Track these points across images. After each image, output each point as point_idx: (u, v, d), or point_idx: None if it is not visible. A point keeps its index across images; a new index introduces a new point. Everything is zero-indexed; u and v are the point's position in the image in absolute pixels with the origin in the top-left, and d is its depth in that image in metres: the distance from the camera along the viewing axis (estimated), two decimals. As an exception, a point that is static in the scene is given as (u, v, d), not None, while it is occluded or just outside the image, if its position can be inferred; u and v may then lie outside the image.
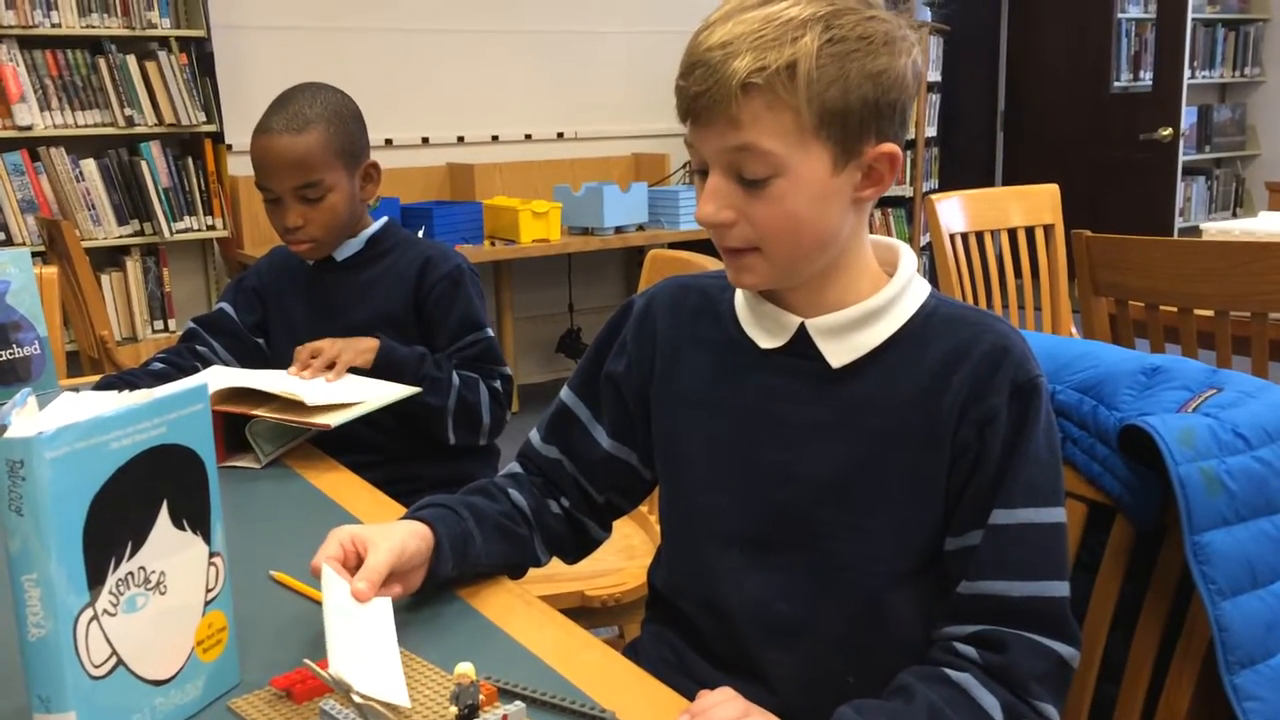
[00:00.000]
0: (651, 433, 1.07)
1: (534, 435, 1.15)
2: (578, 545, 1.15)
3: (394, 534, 0.96)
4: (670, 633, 1.05)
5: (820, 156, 0.88)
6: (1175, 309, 1.91)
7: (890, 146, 0.91)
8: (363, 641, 0.85)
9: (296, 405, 1.43)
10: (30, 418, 0.74)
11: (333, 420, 1.43)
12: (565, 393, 1.14)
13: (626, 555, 1.83)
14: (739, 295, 1.02)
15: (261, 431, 1.45)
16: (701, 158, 0.92)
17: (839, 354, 0.95)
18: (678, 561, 1.05)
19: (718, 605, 0.99)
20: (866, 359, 0.94)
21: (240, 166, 4.03)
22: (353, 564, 0.94)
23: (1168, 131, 5.23)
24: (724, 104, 0.87)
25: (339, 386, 1.53)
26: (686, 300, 1.06)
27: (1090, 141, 5.54)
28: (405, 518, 1.03)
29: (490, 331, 1.74)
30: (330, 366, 1.57)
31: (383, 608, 0.90)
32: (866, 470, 0.93)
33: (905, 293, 0.95)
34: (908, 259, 0.98)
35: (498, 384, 1.71)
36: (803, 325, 0.96)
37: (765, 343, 0.98)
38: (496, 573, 1.06)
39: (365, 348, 1.60)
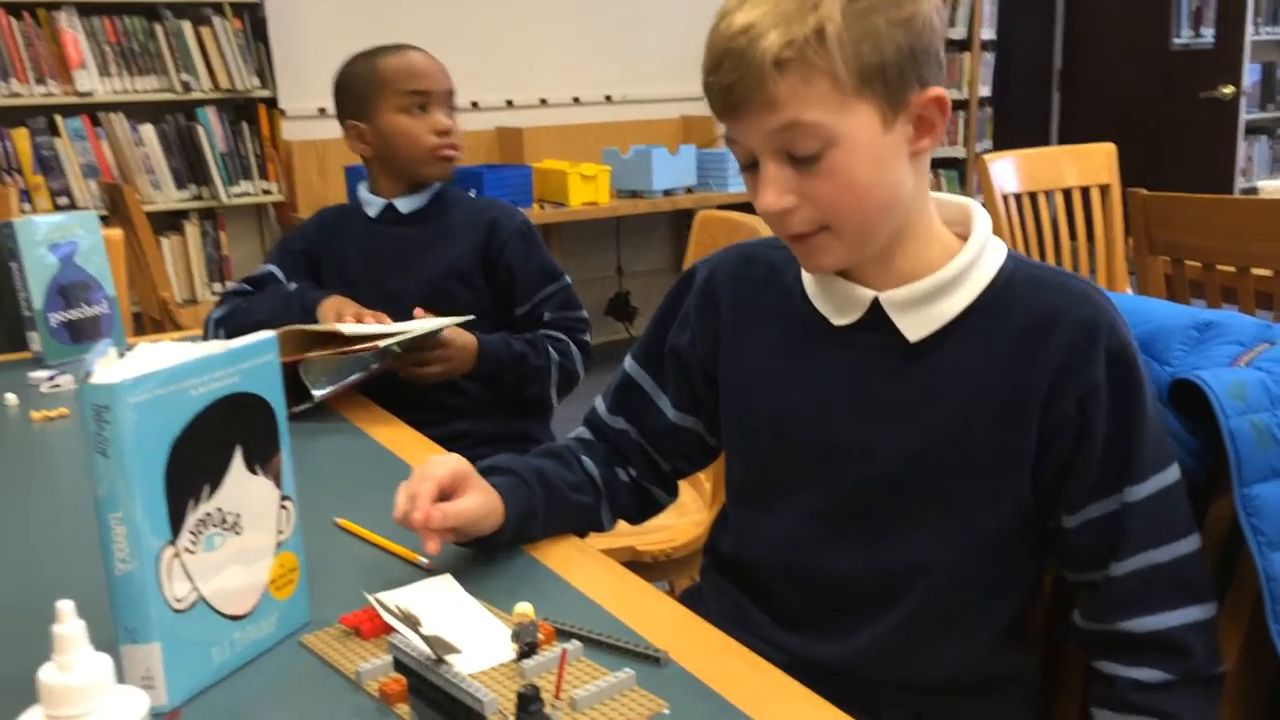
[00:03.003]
0: (720, 405, 1.06)
1: (599, 404, 1.15)
2: (643, 510, 1.16)
3: (485, 500, 0.98)
4: (732, 587, 1.05)
5: (868, 117, 0.86)
6: (1233, 268, 1.89)
7: (936, 90, 0.88)
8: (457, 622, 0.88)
9: (342, 342, 1.48)
10: (112, 366, 0.77)
11: (381, 342, 1.47)
12: (629, 363, 1.13)
13: (677, 512, 1.85)
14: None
15: (314, 368, 1.49)
16: (747, 150, 0.90)
17: (916, 327, 0.92)
18: (753, 532, 1.03)
19: (801, 575, 0.99)
20: (945, 330, 0.92)
21: (294, 131, 4.08)
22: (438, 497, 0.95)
23: (1229, 89, 5.10)
24: (759, 88, 0.85)
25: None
26: (751, 271, 1.04)
27: (1150, 100, 5.43)
28: (485, 472, 1.03)
29: (568, 279, 1.81)
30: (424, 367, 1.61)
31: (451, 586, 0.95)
32: (950, 442, 0.92)
33: (981, 258, 0.92)
34: (982, 220, 0.95)
35: (584, 336, 1.80)
36: (876, 299, 0.94)
37: (838, 319, 0.96)
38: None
39: (468, 359, 1.64)
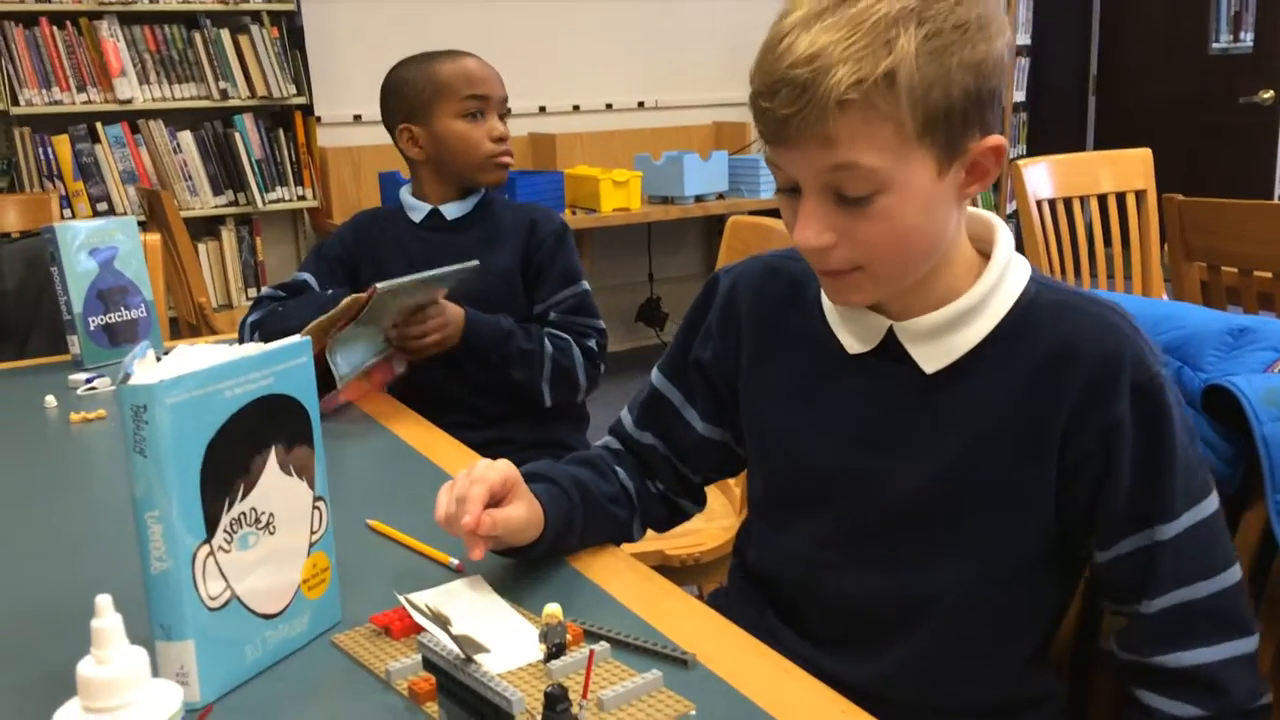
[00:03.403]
0: (741, 418, 1.05)
1: (626, 418, 1.14)
2: (670, 520, 1.15)
3: (531, 508, 0.96)
4: (757, 596, 1.05)
5: (924, 163, 0.82)
6: (1269, 274, 1.87)
7: (996, 139, 0.84)
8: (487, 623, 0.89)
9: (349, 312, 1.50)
10: (150, 367, 0.79)
11: (380, 285, 1.47)
12: (656, 377, 1.11)
13: (705, 518, 1.85)
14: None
15: (337, 349, 1.51)
16: (790, 177, 0.85)
17: (932, 359, 0.90)
18: (772, 547, 1.03)
19: (819, 596, 0.98)
20: (963, 360, 0.89)
21: (329, 137, 4.13)
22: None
23: (1269, 94, 5.04)
24: (818, 125, 0.79)
25: None
26: (773, 287, 1.02)
27: (1187, 105, 5.37)
28: (525, 478, 1.00)
29: (586, 285, 1.81)
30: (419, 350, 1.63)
31: (480, 586, 0.96)
32: (966, 474, 0.89)
33: (1002, 282, 0.89)
34: (1004, 241, 0.91)
35: (591, 342, 1.78)
36: (891, 329, 0.91)
37: (854, 347, 0.94)
38: None
39: (457, 330, 1.66)
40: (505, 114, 1.80)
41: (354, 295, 1.49)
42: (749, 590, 1.07)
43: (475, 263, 1.61)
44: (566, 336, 1.76)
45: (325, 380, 1.50)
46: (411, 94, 1.76)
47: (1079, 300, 0.90)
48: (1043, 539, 0.91)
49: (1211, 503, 0.87)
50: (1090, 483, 0.87)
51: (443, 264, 1.72)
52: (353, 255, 1.83)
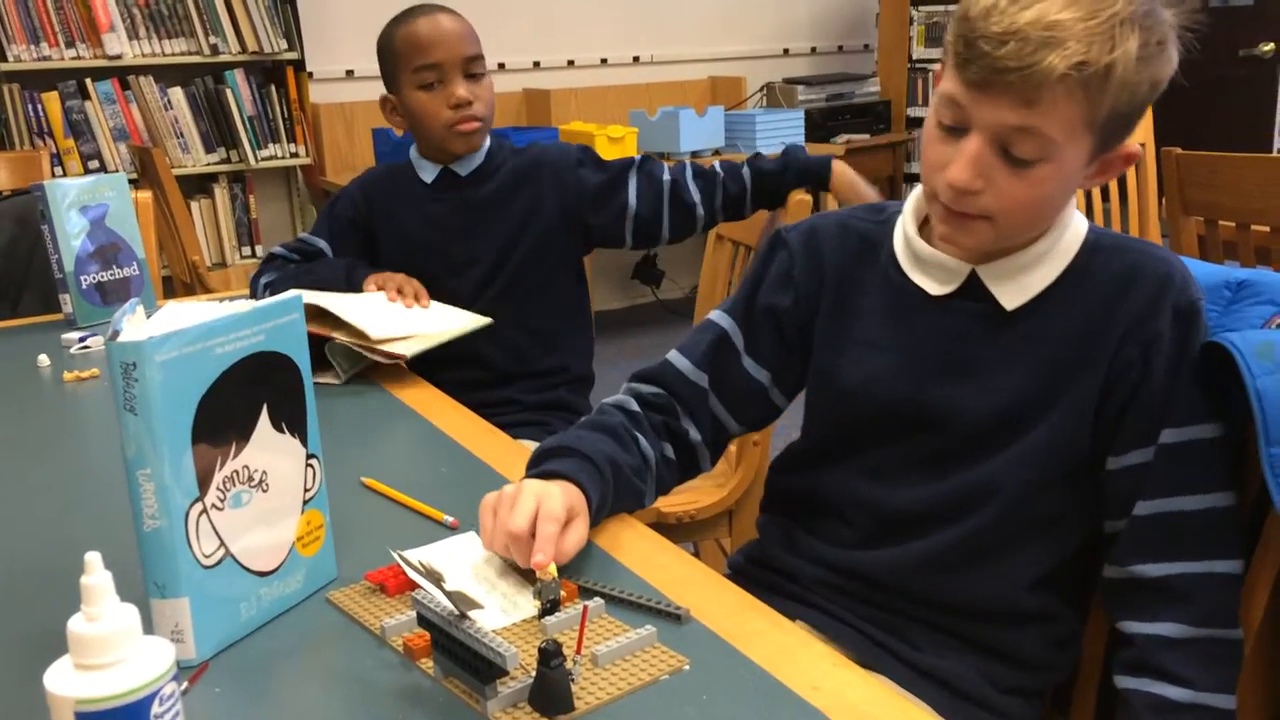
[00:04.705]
0: (809, 364, 1.09)
1: (680, 361, 1.12)
2: (681, 479, 1.15)
3: (585, 526, 0.93)
4: (786, 520, 1.11)
5: (1084, 149, 0.90)
6: (1267, 228, 1.86)
7: (1135, 146, 0.93)
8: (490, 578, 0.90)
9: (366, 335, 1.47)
10: (140, 324, 0.78)
11: (408, 351, 1.46)
12: (724, 319, 1.13)
13: (701, 476, 1.85)
14: (898, 242, 1.04)
15: (339, 351, 1.48)
16: (963, 118, 0.90)
17: (1012, 296, 0.98)
18: (826, 476, 1.08)
19: (871, 504, 1.04)
20: (1038, 298, 0.97)
21: (321, 93, 4.08)
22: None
23: (1269, 47, 4.99)
24: (1031, 87, 0.85)
25: (408, 317, 1.54)
26: (849, 241, 1.08)
27: (1186, 58, 5.32)
28: (554, 452, 0.99)
29: (635, 156, 1.80)
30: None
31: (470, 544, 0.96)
32: (1034, 396, 0.97)
33: (1067, 231, 0.98)
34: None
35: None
36: (974, 271, 0.99)
37: (935, 290, 1.01)
38: None
39: None
40: (476, 73, 1.67)
41: (389, 353, 1.45)
42: (778, 518, 1.12)
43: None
44: (712, 176, 1.83)
45: (314, 352, 1.48)
46: (383, 62, 1.70)
47: (1134, 242, 1.00)
48: (1073, 451, 0.97)
49: (1217, 429, 0.93)
50: (1126, 389, 0.94)
51: (467, 223, 1.69)
52: (366, 218, 1.76)
